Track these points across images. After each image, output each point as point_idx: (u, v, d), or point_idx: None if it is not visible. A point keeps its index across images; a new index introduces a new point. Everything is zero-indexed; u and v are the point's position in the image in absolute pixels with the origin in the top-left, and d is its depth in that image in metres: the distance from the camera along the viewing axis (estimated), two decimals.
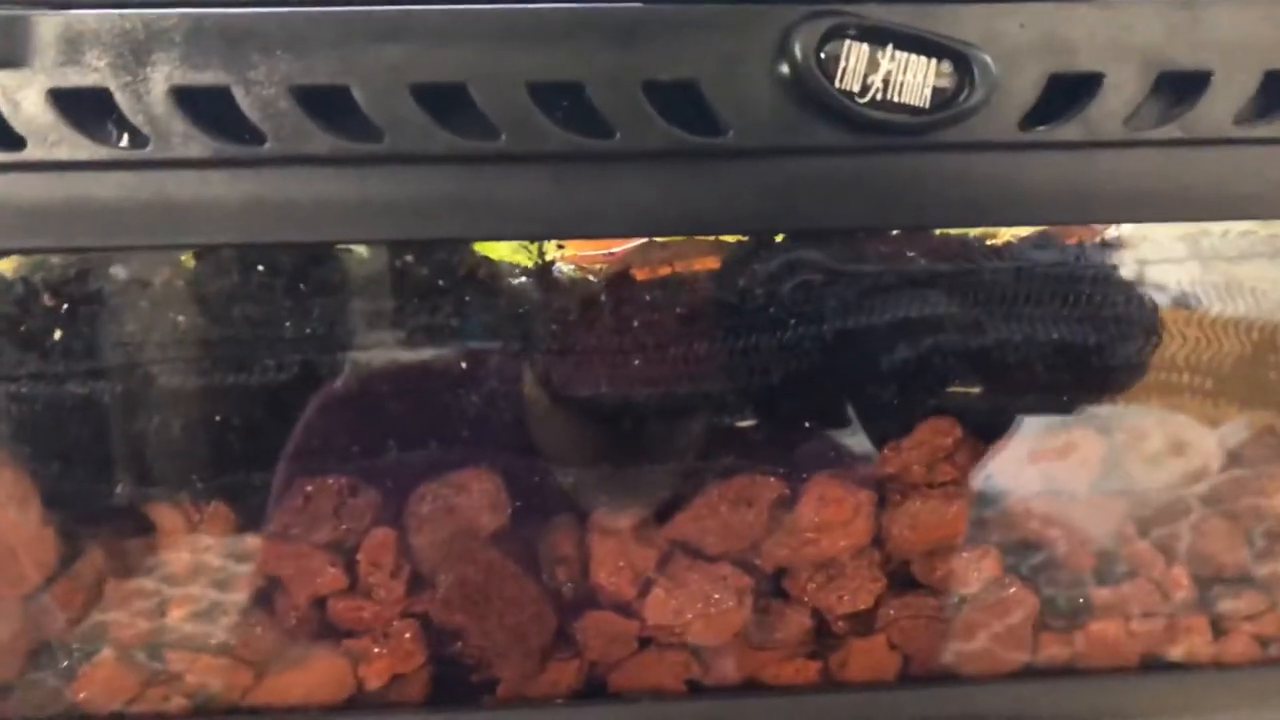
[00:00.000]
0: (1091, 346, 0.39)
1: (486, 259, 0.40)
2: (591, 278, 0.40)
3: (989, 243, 0.40)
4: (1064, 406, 0.41)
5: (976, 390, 0.40)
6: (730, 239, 0.40)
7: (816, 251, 0.39)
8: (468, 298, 0.39)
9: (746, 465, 0.40)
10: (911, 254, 0.39)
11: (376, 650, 0.38)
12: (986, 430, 0.40)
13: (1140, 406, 0.41)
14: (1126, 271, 0.40)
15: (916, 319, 0.39)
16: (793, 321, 0.39)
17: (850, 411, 0.41)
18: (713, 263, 0.40)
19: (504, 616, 0.38)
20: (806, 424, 0.41)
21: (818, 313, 0.39)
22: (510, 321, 0.40)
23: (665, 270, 0.39)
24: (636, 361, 0.39)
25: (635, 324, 0.39)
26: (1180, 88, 0.34)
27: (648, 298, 0.39)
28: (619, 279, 0.39)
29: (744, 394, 0.41)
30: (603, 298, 0.39)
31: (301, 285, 0.38)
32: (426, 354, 0.40)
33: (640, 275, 0.39)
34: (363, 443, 0.39)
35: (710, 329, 0.39)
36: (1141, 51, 0.34)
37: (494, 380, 0.40)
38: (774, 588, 0.40)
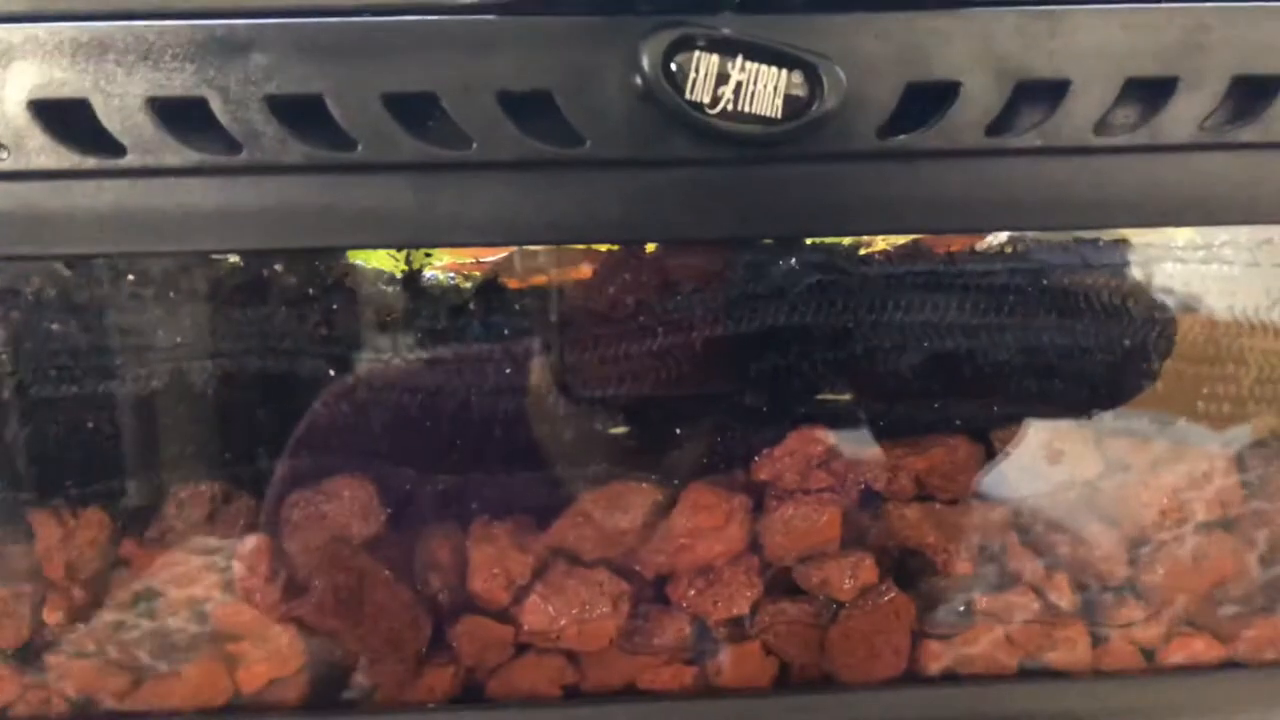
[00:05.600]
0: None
1: None
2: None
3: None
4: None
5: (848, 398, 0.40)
6: None
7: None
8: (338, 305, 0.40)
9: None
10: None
11: (253, 655, 0.39)
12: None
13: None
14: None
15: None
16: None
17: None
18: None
19: (378, 622, 0.39)
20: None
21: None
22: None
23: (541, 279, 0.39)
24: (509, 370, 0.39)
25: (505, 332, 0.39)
26: (1043, 97, 0.35)
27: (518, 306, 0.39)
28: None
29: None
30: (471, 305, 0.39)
31: (171, 294, 0.38)
32: (312, 362, 0.40)
33: (513, 284, 0.39)
34: (240, 451, 0.39)
35: None
36: (998, 61, 0.34)
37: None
38: (655, 593, 0.41)
